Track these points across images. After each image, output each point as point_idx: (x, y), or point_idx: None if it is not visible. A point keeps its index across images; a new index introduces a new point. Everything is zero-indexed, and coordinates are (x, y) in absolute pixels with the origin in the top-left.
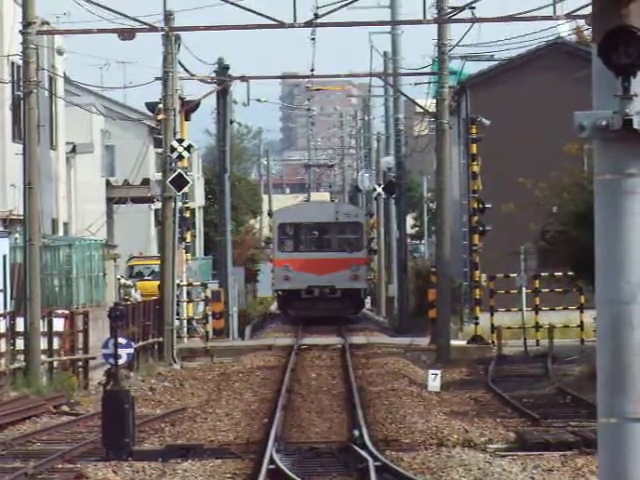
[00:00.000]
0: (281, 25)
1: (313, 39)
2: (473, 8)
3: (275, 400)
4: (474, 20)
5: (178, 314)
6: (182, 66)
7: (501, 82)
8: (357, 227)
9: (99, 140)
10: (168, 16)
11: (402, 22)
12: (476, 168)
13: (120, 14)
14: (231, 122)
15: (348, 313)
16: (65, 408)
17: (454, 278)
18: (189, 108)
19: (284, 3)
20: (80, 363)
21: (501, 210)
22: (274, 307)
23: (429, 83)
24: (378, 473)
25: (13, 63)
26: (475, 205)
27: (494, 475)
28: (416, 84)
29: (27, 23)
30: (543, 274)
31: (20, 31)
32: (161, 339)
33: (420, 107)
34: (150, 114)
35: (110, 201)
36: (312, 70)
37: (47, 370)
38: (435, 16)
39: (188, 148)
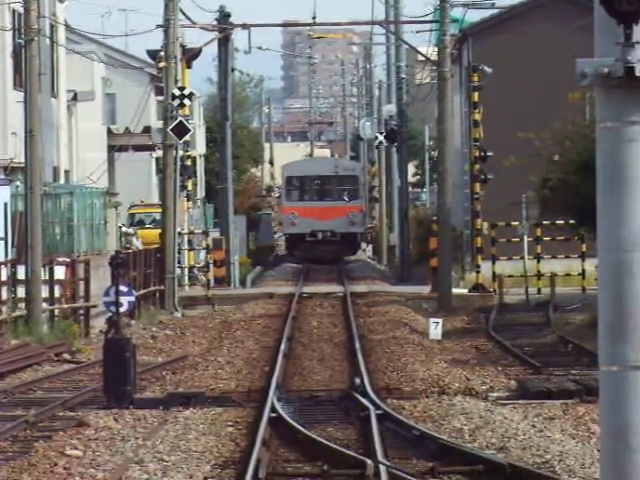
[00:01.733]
0: None
1: None
2: None
3: (276, 348)
4: None
5: (179, 262)
6: (183, 14)
7: (503, 30)
8: (354, 180)
9: (100, 88)
10: None
11: None
12: (477, 116)
13: None
14: (232, 70)
15: (346, 254)
16: (66, 356)
17: (455, 226)
18: (190, 56)
19: None
20: (81, 311)
21: (503, 163)
22: (274, 257)
23: (431, 31)
24: (379, 421)
25: (14, 10)
26: (476, 153)
27: (495, 423)
28: (418, 32)
29: None
30: (545, 222)
31: None
32: (162, 287)
33: (422, 55)
34: (151, 62)
35: (111, 149)
36: (314, 18)
37: (48, 318)
38: None
39: (189, 96)
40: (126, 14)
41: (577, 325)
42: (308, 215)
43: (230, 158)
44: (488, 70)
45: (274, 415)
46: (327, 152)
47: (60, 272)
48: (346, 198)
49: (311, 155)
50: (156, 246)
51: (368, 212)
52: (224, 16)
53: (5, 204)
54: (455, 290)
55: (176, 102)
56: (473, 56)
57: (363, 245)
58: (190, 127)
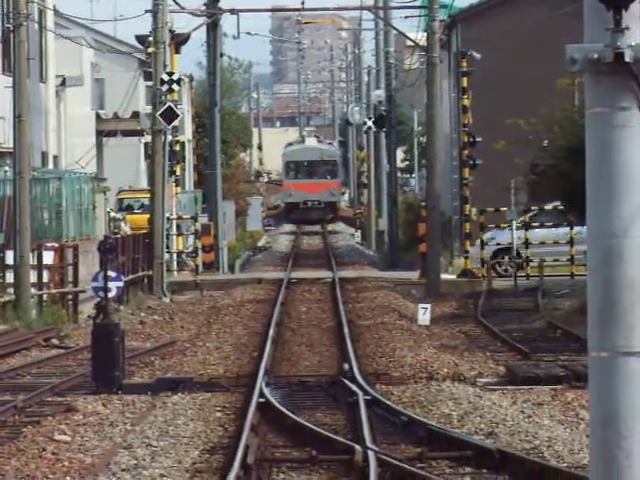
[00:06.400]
0: None
1: None
2: None
3: (265, 334)
4: None
5: (168, 247)
6: None
7: (492, 16)
8: (334, 163)
9: (89, 73)
10: None
11: None
12: (466, 102)
13: None
14: (221, 55)
15: (328, 216)
16: (55, 341)
17: (444, 212)
18: (179, 41)
19: None
20: (70, 296)
21: (492, 147)
22: (262, 242)
23: (420, 16)
24: (368, 407)
25: None
26: (465, 139)
27: (484, 409)
28: (406, 17)
29: None
30: (534, 208)
31: None
32: (151, 272)
33: (411, 40)
34: (140, 47)
35: (100, 134)
36: (302, 3)
37: (37, 303)
38: None
39: (178, 81)
40: None
41: (566, 311)
42: (301, 189)
43: (219, 143)
44: (477, 56)
45: (262, 400)
46: (314, 140)
47: (48, 257)
48: (328, 177)
49: (302, 138)
50: (144, 231)
51: (356, 196)
52: (213, 1)
53: None
54: (444, 276)
55: (165, 87)
56: (462, 42)
57: (352, 230)
58: (179, 112)
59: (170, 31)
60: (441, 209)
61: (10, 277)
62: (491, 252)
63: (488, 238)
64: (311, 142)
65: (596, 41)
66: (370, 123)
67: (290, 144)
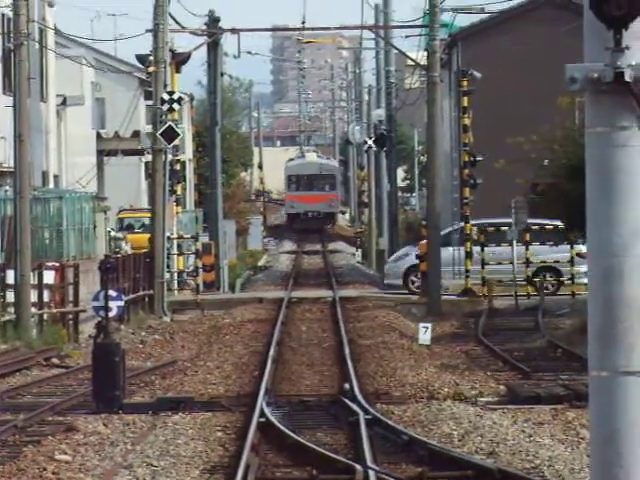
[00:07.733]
0: None
1: None
2: None
3: (266, 353)
4: None
5: (168, 267)
6: (173, 18)
7: (492, 34)
8: (332, 177)
9: (89, 92)
10: None
11: None
12: (467, 121)
13: None
14: (222, 74)
15: (326, 225)
16: (55, 361)
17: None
18: (179, 60)
19: None
20: (70, 316)
21: (493, 166)
22: (263, 261)
23: (420, 36)
24: (369, 426)
25: (3, 15)
26: (466, 158)
27: (485, 428)
28: (407, 37)
29: None
30: (534, 227)
31: None
32: (151, 292)
33: (411, 60)
34: (141, 66)
35: (100, 153)
36: (303, 22)
37: (37, 323)
38: None
39: (178, 100)
40: (115, 18)
41: (566, 330)
42: (302, 201)
43: (219, 162)
44: (477, 75)
45: (263, 420)
46: (314, 155)
47: (49, 277)
48: (327, 189)
49: (303, 154)
50: (145, 251)
51: (356, 215)
52: (213, 21)
53: None
54: (444, 295)
55: (165, 107)
56: (462, 61)
57: (352, 249)
58: (179, 131)
59: (170, 50)
60: (441, 228)
61: (11, 296)
62: (405, 268)
63: (402, 254)
64: (311, 157)
65: (596, 60)
66: (371, 142)
67: (291, 159)
